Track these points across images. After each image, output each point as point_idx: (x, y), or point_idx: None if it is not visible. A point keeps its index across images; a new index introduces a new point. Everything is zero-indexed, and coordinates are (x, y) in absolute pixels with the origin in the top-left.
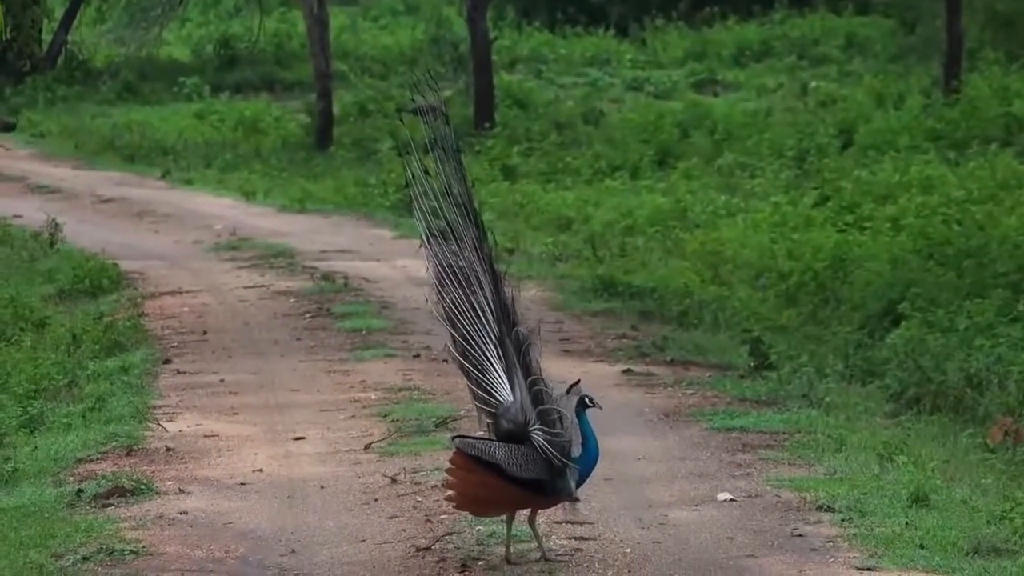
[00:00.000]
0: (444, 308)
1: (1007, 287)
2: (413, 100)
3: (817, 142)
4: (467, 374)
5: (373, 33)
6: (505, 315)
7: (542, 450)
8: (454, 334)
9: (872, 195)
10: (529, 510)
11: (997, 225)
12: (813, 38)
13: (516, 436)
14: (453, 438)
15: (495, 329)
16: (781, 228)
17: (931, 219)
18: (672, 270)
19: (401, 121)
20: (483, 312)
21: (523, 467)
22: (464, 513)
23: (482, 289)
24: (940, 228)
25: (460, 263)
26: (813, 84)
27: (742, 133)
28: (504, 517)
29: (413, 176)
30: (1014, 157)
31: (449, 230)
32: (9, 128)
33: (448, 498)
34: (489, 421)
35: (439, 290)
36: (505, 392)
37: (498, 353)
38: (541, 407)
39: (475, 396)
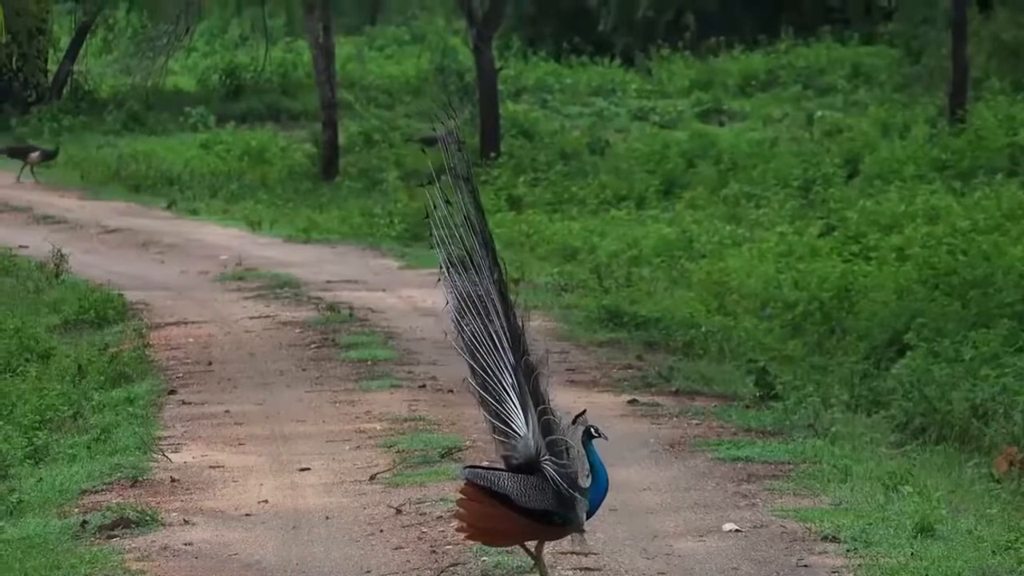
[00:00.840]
0: (464, 339)
1: (1013, 317)
2: (433, 129)
3: (823, 172)
4: (486, 406)
5: (379, 63)
6: (516, 344)
7: (552, 481)
8: (473, 365)
9: (878, 225)
10: (537, 541)
11: (1003, 255)
12: (819, 67)
13: (527, 467)
14: (464, 468)
15: (510, 358)
16: (787, 258)
17: (937, 249)
18: (678, 300)
19: (424, 151)
20: (500, 342)
21: (532, 498)
22: (474, 543)
23: (498, 318)
24: (946, 258)
25: (479, 292)
26: (819, 114)
27: (748, 163)
28: (525, 549)
29: (434, 205)
30: (1020, 187)
31: (468, 259)
32: (50, 156)
33: (458, 528)
34: (506, 453)
35: (458, 321)
36: (520, 422)
37: (513, 383)
38: (550, 437)
39: (494, 428)
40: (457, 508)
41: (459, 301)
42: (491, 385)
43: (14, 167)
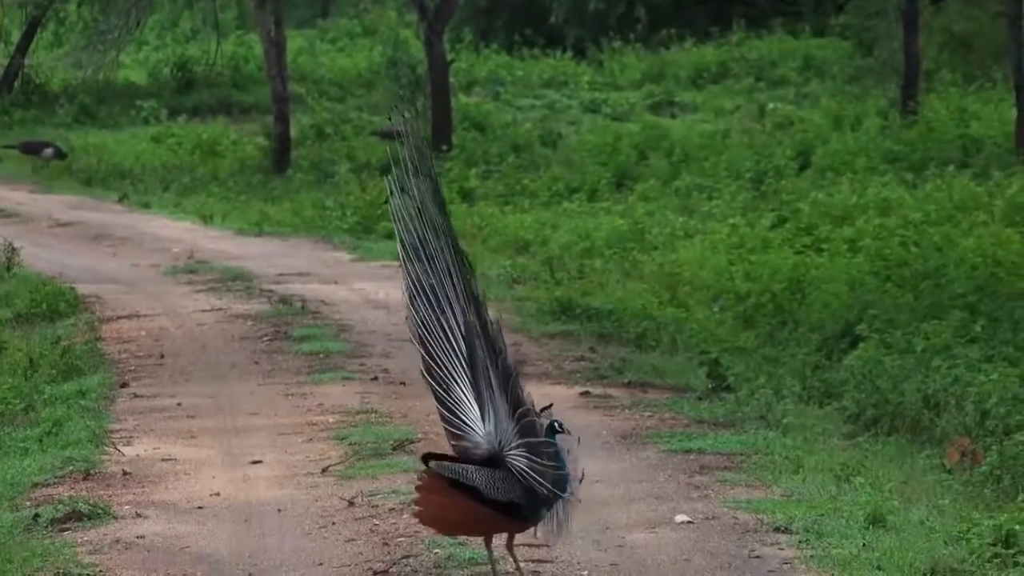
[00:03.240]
0: (415, 326)
1: (964, 308)
2: (390, 120)
3: (775, 164)
4: (434, 394)
5: (331, 55)
6: (486, 340)
7: (521, 475)
8: (423, 353)
9: (830, 217)
10: (506, 535)
11: (954, 246)
12: (771, 60)
13: (490, 461)
14: (424, 458)
15: (465, 352)
16: (739, 250)
17: (888, 241)
18: (630, 292)
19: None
20: (452, 334)
21: (500, 490)
22: (428, 532)
23: (453, 312)
24: (897, 250)
25: (430, 282)
26: (771, 106)
27: (700, 155)
28: (487, 546)
29: (392, 193)
30: (971, 179)
31: (420, 248)
32: (62, 155)
33: (417, 516)
34: (454, 443)
35: (411, 308)
36: (476, 417)
37: (469, 376)
38: (533, 439)
39: (441, 417)
40: (417, 497)
41: (411, 288)
42: (439, 375)
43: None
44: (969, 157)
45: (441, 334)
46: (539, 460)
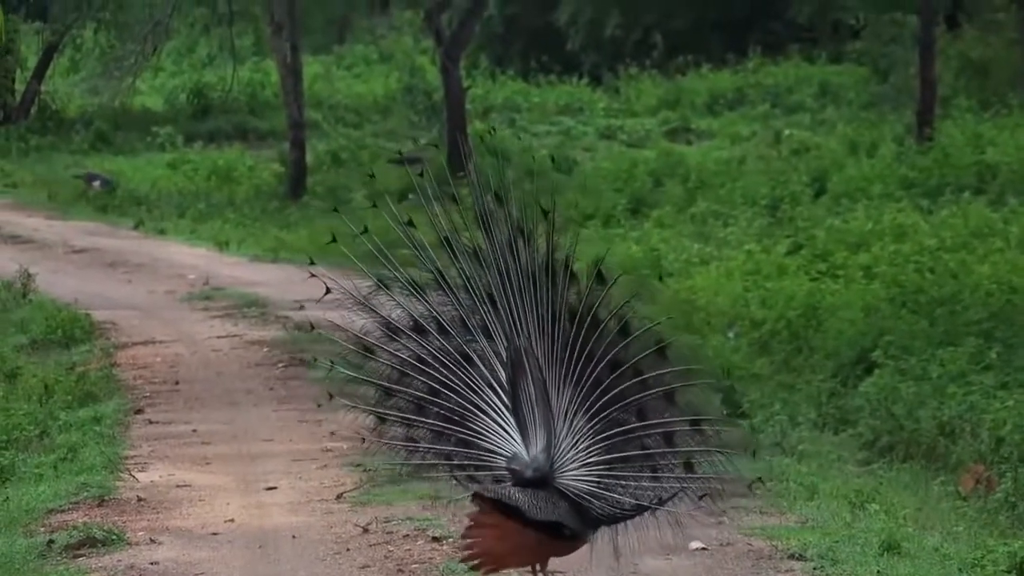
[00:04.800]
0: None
1: (979, 335)
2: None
3: (790, 190)
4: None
5: (347, 82)
6: (568, 364)
7: (578, 496)
8: (409, 393)
9: (845, 243)
10: (543, 560)
11: (970, 273)
12: (787, 86)
13: (539, 482)
14: (474, 497)
15: (504, 379)
16: (754, 276)
17: (904, 267)
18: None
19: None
20: (483, 362)
21: (542, 510)
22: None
23: (490, 338)
24: (913, 276)
25: (452, 314)
26: (786, 132)
27: (715, 181)
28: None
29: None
30: (987, 205)
31: (441, 278)
32: (110, 186)
33: (469, 558)
34: (502, 472)
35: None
36: (506, 443)
37: (503, 403)
38: (624, 456)
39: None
40: (468, 532)
41: (388, 327)
42: (452, 410)
43: None
44: (985, 183)
45: (459, 364)
46: (623, 478)
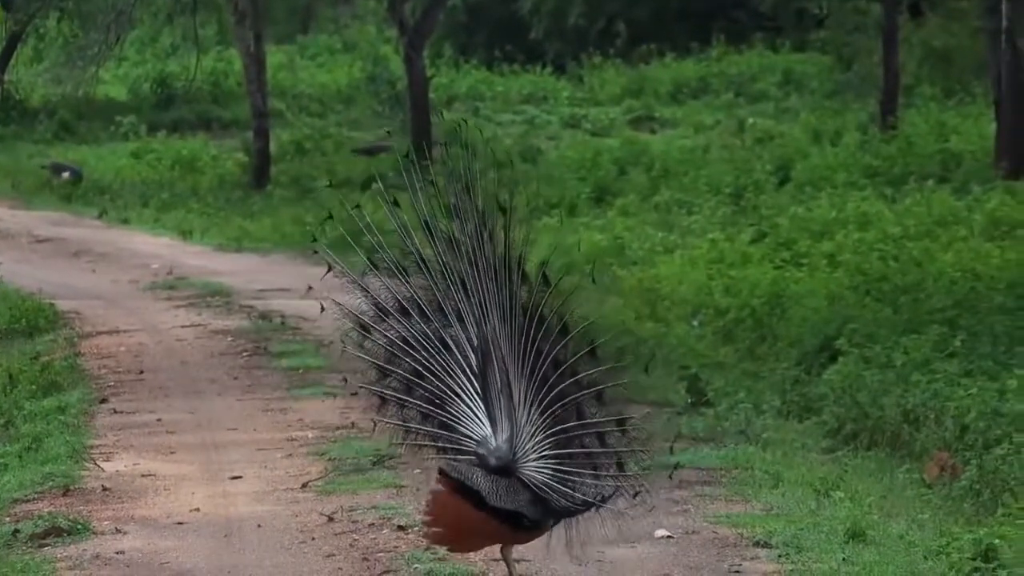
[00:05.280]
0: (386, 344)
1: (943, 323)
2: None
3: (754, 179)
4: (419, 411)
5: (310, 71)
6: (525, 353)
7: (536, 487)
8: (398, 373)
9: (809, 231)
10: (505, 546)
11: (933, 261)
12: (750, 75)
13: (503, 471)
14: (440, 472)
15: (475, 365)
16: (718, 265)
17: (868, 255)
18: (609, 307)
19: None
20: (458, 347)
21: (503, 498)
22: (437, 547)
23: (463, 324)
24: (877, 264)
25: (430, 297)
26: (750, 121)
27: (679, 170)
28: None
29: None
30: (950, 193)
31: (423, 264)
32: (78, 177)
33: (427, 531)
34: (448, 457)
35: (375, 328)
36: (478, 429)
37: (475, 389)
38: (572, 450)
39: (425, 434)
40: (429, 502)
41: (379, 307)
42: (434, 394)
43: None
44: (948, 172)
45: (441, 349)
46: (573, 473)
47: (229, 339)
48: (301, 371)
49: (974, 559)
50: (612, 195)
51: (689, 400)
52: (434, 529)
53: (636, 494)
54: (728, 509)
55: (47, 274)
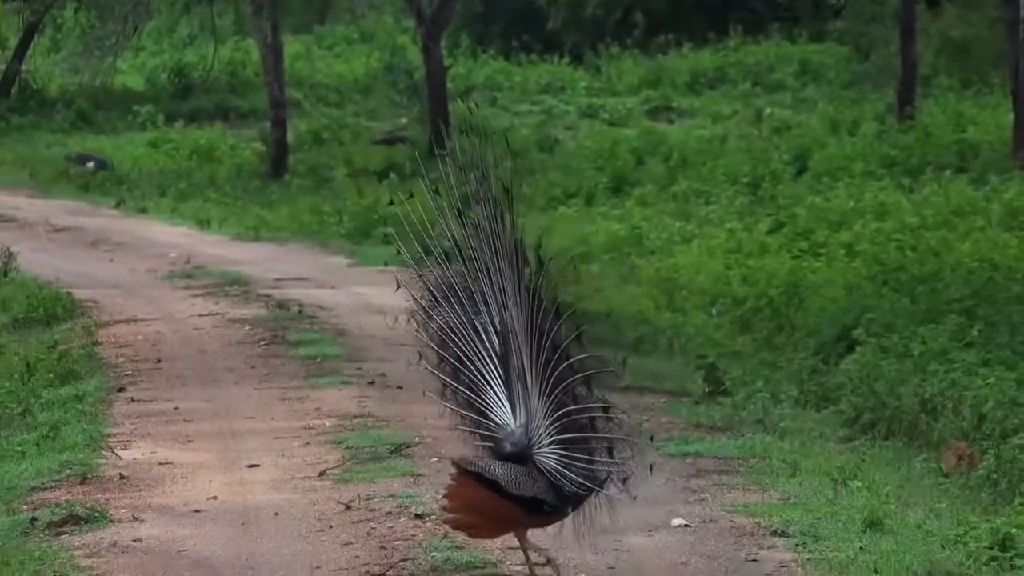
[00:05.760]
0: (437, 330)
1: (961, 313)
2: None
3: (772, 168)
4: (461, 399)
5: (328, 61)
6: (536, 338)
7: (549, 474)
8: (447, 358)
9: (826, 221)
10: (522, 533)
11: (951, 251)
12: (768, 65)
13: (517, 457)
14: (456, 464)
15: (499, 351)
16: (736, 254)
17: (885, 245)
18: (627, 297)
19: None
20: (486, 334)
21: (522, 485)
22: (456, 533)
23: (489, 311)
24: (894, 254)
25: (465, 284)
26: (768, 111)
27: (697, 160)
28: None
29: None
30: (968, 183)
31: (458, 250)
32: (104, 167)
33: (446, 518)
34: (488, 444)
35: (430, 313)
36: (504, 416)
37: (501, 376)
38: (575, 435)
39: (467, 420)
40: (446, 494)
41: (439, 294)
42: (473, 380)
43: None
44: (966, 162)
45: (475, 336)
46: (576, 458)
47: (246, 328)
48: (318, 360)
49: (991, 548)
50: (630, 185)
51: (706, 389)
52: (454, 516)
53: (625, 480)
54: (745, 498)
55: (64, 263)
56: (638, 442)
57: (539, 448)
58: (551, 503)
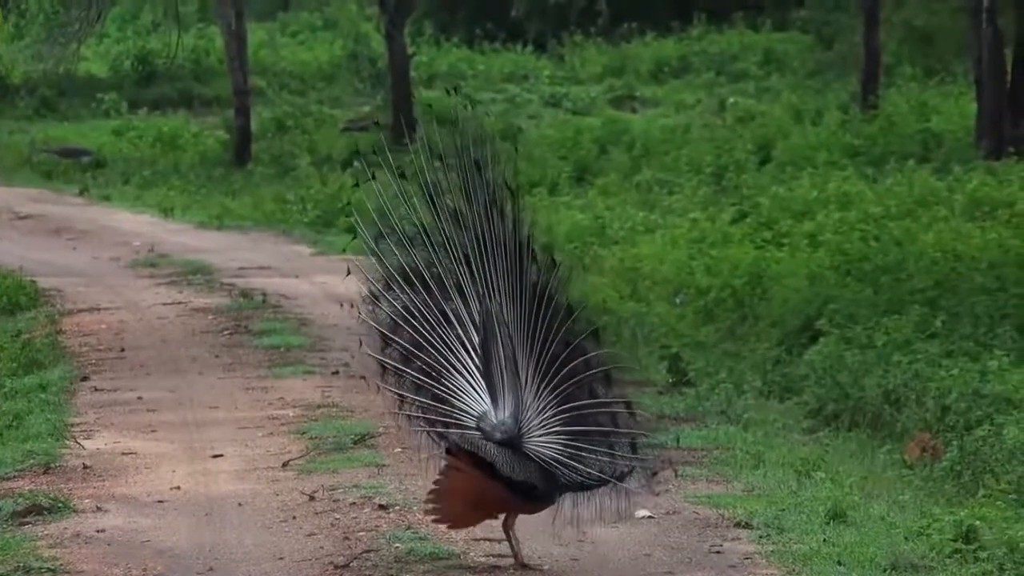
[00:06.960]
0: (390, 313)
1: (924, 303)
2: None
3: (735, 158)
4: (414, 382)
5: (291, 49)
6: (534, 330)
7: (542, 461)
8: (397, 342)
9: (790, 211)
10: (507, 515)
11: (914, 241)
12: (731, 54)
13: (508, 444)
14: (447, 451)
15: (477, 341)
16: (699, 244)
17: (849, 235)
18: (590, 286)
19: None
20: (459, 321)
21: (516, 469)
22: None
23: (465, 300)
24: (858, 244)
25: (434, 271)
26: (731, 100)
27: (660, 149)
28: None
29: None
30: (931, 173)
31: (426, 236)
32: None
33: (430, 510)
34: (441, 430)
35: (382, 296)
36: (475, 404)
37: (476, 365)
38: (585, 428)
39: (419, 406)
40: (440, 473)
41: (393, 279)
42: (430, 366)
43: None
44: (929, 152)
45: (441, 322)
46: (588, 450)
47: (210, 317)
48: (282, 349)
49: (955, 540)
50: (593, 174)
51: (670, 380)
52: (440, 502)
53: (654, 474)
54: (709, 489)
55: (28, 251)
56: (658, 440)
57: (530, 437)
58: (541, 489)
